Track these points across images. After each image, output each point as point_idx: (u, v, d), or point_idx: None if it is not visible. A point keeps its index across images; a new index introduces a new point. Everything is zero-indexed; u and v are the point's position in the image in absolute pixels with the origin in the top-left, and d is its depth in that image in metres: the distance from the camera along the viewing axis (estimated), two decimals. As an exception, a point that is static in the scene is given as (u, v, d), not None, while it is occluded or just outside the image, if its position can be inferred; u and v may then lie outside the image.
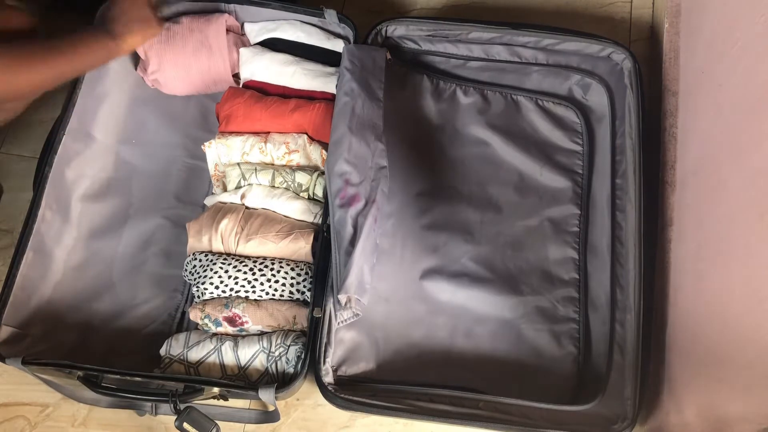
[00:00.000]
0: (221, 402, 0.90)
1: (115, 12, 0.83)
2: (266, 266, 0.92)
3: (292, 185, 0.97)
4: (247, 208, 0.97)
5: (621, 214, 0.95)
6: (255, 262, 0.93)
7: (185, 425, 0.81)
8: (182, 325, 1.00)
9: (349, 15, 1.02)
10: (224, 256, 0.94)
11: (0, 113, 0.88)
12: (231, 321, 0.91)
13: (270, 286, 0.91)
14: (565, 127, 1.06)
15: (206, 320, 0.91)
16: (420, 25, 1.01)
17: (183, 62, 1.03)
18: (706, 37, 0.87)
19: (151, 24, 0.85)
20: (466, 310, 0.96)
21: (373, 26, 1.02)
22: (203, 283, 0.92)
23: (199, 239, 0.96)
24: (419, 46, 1.07)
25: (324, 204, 0.94)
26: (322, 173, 0.97)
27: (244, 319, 0.90)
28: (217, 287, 0.92)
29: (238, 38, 1.06)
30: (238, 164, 1.00)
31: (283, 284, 0.91)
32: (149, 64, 1.02)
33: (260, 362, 0.88)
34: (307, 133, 0.99)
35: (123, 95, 1.06)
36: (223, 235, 0.94)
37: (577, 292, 0.97)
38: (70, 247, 0.97)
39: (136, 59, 1.07)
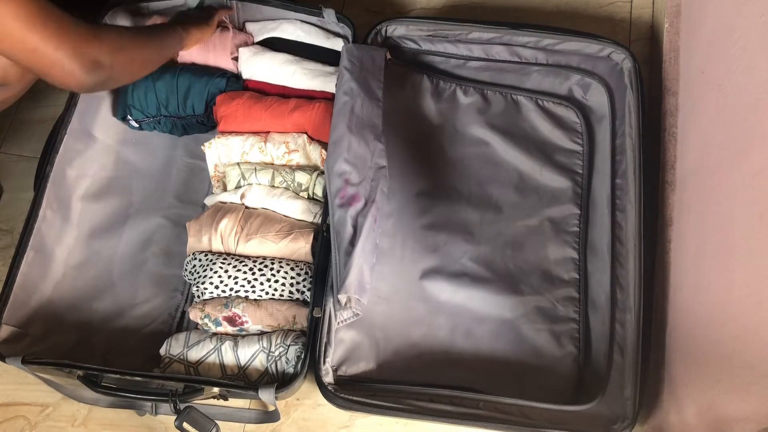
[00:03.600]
0: (221, 402, 0.90)
1: (176, 17, 0.98)
2: (266, 266, 0.92)
3: (291, 185, 0.97)
4: (246, 207, 0.97)
5: (621, 214, 0.95)
6: (255, 261, 0.93)
7: (185, 425, 0.81)
8: (182, 324, 1.00)
9: (349, 15, 1.02)
10: (224, 256, 0.94)
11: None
12: (231, 321, 0.91)
13: (270, 286, 0.91)
14: (565, 127, 1.06)
15: (206, 320, 0.91)
16: (420, 25, 1.01)
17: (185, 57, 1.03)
18: (706, 37, 0.87)
19: (205, 21, 0.98)
20: (466, 310, 0.96)
21: (373, 26, 1.02)
22: (203, 283, 0.92)
23: (198, 239, 0.96)
24: (419, 46, 1.07)
25: (324, 204, 0.94)
26: (322, 173, 0.97)
27: (243, 319, 0.90)
28: (216, 287, 0.92)
29: (243, 39, 1.06)
30: (238, 164, 1.00)
31: (283, 284, 0.92)
32: None
33: (260, 362, 0.88)
34: (306, 133, 0.99)
35: (123, 95, 1.06)
36: (223, 235, 0.94)
37: (577, 292, 0.97)
38: (70, 246, 0.97)
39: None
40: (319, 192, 0.98)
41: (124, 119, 1.04)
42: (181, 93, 1.01)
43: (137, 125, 1.06)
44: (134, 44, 0.80)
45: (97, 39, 0.72)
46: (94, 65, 0.72)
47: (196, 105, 1.02)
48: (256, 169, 0.98)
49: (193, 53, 1.03)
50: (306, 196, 0.98)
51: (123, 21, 1.03)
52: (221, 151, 1.01)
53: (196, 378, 0.85)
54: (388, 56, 1.01)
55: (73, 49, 0.69)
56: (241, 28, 1.08)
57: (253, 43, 1.07)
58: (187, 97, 1.02)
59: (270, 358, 0.87)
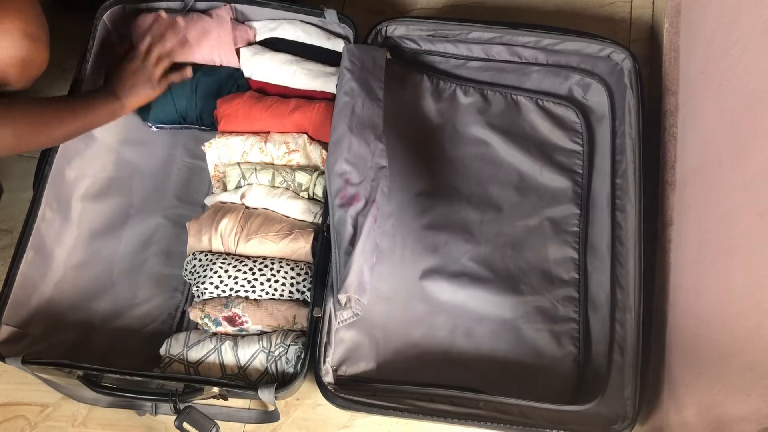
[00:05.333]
0: (221, 402, 0.90)
1: (119, 75, 0.94)
2: (266, 266, 0.92)
3: (292, 185, 0.97)
4: (246, 207, 0.97)
5: (621, 214, 0.95)
6: (255, 261, 0.93)
7: (185, 425, 0.81)
8: (182, 324, 1.00)
9: (349, 15, 1.02)
10: (224, 256, 0.94)
11: None
12: (231, 321, 0.91)
13: (270, 286, 0.91)
14: (565, 127, 1.06)
15: (206, 320, 0.91)
16: (420, 25, 1.01)
17: (188, 53, 1.03)
18: (706, 37, 0.87)
19: (151, 86, 0.95)
20: (466, 310, 0.96)
21: (373, 26, 1.02)
22: (203, 283, 0.92)
23: (198, 239, 0.96)
24: (419, 46, 1.07)
25: (324, 204, 0.94)
26: (322, 173, 0.97)
27: (243, 319, 0.90)
28: (216, 287, 0.92)
29: (245, 31, 1.06)
30: (238, 164, 1.00)
31: (283, 284, 0.92)
32: None
33: (260, 362, 0.88)
34: (307, 133, 0.99)
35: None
36: (223, 235, 0.94)
37: (577, 291, 0.97)
38: (70, 246, 0.97)
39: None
40: (319, 192, 0.98)
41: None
42: (199, 110, 1.04)
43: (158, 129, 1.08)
44: (44, 121, 0.81)
45: (3, 122, 0.75)
46: None
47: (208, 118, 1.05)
48: (257, 169, 0.98)
49: (196, 55, 1.03)
50: (306, 196, 0.98)
51: (121, 20, 1.03)
52: (221, 151, 1.01)
53: (196, 378, 0.85)
54: (388, 56, 1.01)
55: None
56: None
57: (254, 43, 1.06)
58: (204, 113, 1.04)
59: (270, 358, 0.87)
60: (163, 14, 0.99)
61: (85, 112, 0.87)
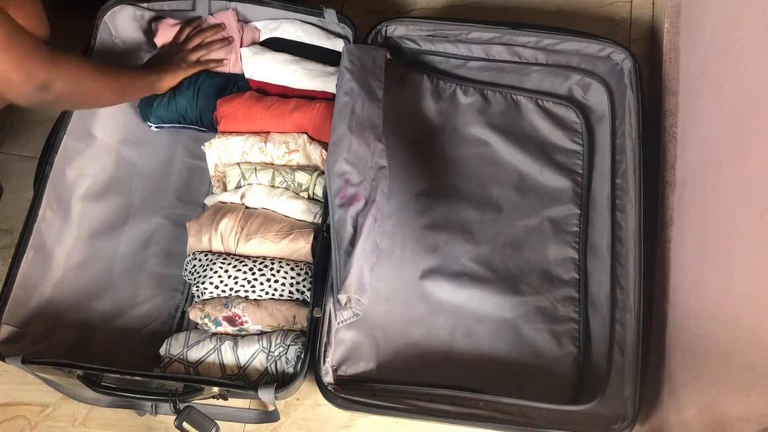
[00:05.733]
0: (221, 402, 0.90)
1: (158, 55, 1.03)
2: (266, 266, 0.92)
3: (292, 185, 0.97)
4: (246, 207, 0.97)
5: (621, 214, 0.95)
6: (255, 261, 0.93)
7: (185, 425, 0.81)
8: (182, 324, 1.00)
9: (349, 15, 1.02)
10: (224, 256, 0.94)
11: None
12: (231, 321, 0.91)
13: (270, 286, 0.91)
14: (565, 127, 1.06)
15: (206, 320, 0.91)
16: (420, 25, 1.01)
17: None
18: (706, 37, 0.87)
19: (184, 65, 1.01)
20: (466, 310, 0.96)
21: (373, 26, 1.02)
22: (203, 283, 0.92)
23: (198, 239, 0.96)
24: (419, 46, 1.07)
25: (324, 204, 0.94)
26: (322, 173, 0.97)
27: (243, 319, 0.90)
28: (216, 287, 0.92)
29: (251, 32, 1.06)
30: (238, 164, 1.00)
31: (283, 284, 0.92)
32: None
33: (260, 362, 0.88)
34: (307, 133, 0.99)
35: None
36: (223, 235, 0.94)
37: (577, 292, 0.97)
38: (70, 246, 0.97)
39: (137, 57, 1.07)
40: (319, 192, 0.98)
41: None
42: (199, 110, 1.04)
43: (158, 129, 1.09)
44: (94, 80, 0.84)
45: (54, 65, 0.76)
46: (42, 87, 0.75)
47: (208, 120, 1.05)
48: (257, 169, 0.98)
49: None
50: (306, 196, 0.98)
51: (122, 19, 1.03)
52: (221, 151, 1.01)
53: (195, 378, 0.85)
54: (388, 56, 1.01)
55: (27, 70, 0.73)
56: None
57: (254, 43, 1.07)
58: (203, 114, 1.04)
59: (270, 358, 0.87)
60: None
61: (133, 79, 0.93)
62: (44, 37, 0.85)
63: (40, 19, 0.84)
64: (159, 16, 1.05)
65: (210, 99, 1.02)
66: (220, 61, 1.04)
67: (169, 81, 0.99)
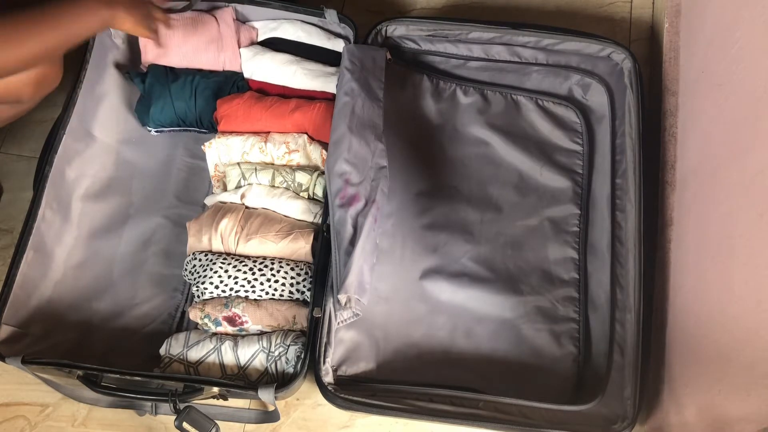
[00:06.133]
0: (221, 402, 0.90)
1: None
2: (266, 266, 0.92)
3: (292, 185, 0.97)
4: (246, 207, 0.97)
5: (621, 214, 0.95)
6: (255, 261, 0.93)
7: (185, 425, 0.81)
8: (182, 324, 1.00)
9: (349, 15, 1.02)
10: (224, 256, 0.94)
11: (2, 113, 0.88)
12: (231, 321, 0.91)
13: (270, 286, 0.91)
14: (565, 127, 1.06)
15: (206, 320, 0.91)
16: (420, 25, 1.01)
17: (191, 51, 1.03)
18: (706, 37, 0.87)
19: (149, 18, 0.85)
20: (466, 310, 0.96)
21: (373, 26, 1.02)
22: (203, 283, 0.92)
23: (198, 239, 0.96)
24: (419, 46, 1.07)
25: (324, 204, 0.94)
26: (322, 173, 0.97)
27: (243, 319, 0.90)
28: (216, 287, 0.92)
29: (248, 31, 1.06)
30: (238, 164, 1.00)
31: (283, 284, 0.92)
32: (149, 52, 1.03)
33: (260, 362, 0.88)
34: (307, 133, 0.99)
35: (123, 94, 1.06)
36: (223, 235, 0.94)
37: (577, 291, 0.97)
38: (70, 246, 0.97)
39: (137, 57, 1.07)
40: (319, 192, 0.98)
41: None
42: (198, 113, 1.04)
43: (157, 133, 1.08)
44: (16, 31, 0.70)
45: None
46: None
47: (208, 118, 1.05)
48: (257, 169, 0.98)
49: (202, 60, 1.04)
50: (306, 196, 0.98)
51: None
52: (221, 151, 1.01)
53: (195, 378, 0.85)
54: (388, 56, 1.01)
55: None
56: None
57: (254, 43, 1.06)
58: (203, 116, 1.04)
59: (270, 358, 0.87)
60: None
61: (59, 20, 0.74)
62: (59, 58, 0.78)
63: None
64: None
65: (208, 100, 1.02)
66: (155, 34, 0.91)
67: (127, 20, 0.82)
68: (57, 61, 0.81)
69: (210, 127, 1.05)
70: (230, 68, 1.05)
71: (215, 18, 1.03)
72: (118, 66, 1.05)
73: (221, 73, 1.05)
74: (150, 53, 1.04)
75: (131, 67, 1.07)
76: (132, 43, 1.07)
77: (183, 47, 1.03)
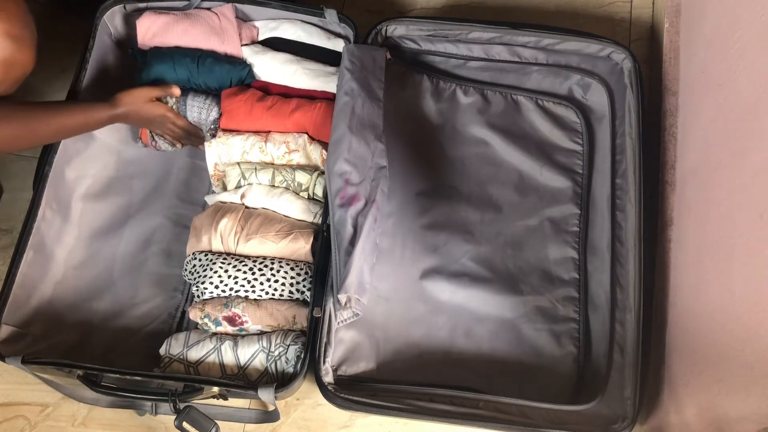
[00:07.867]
0: (221, 401, 0.90)
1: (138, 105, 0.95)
2: (266, 266, 0.92)
3: (292, 185, 0.97)
4: (246, 207, 0.97)
5: (621, 214, 0.95)
6: (255, 261, 0.93)
7: (185, 425, 0.81)
8: (182, 324, 1.00)
9: (349, 15, 1.02)
10: (224, 256, 0.94)
11: None
12: (231, 320, 0.91)
13: (270, 286, 0.91)
14: (565, 127, 1.06)
15: (206, 320, 0.91)
16: (420, 25, 1.01)
17: (192, 43, 1.02)
18: (706, 37, 0.87)
19: (175, 130, 0.98)
20: (466, 310, 0.96)
21: (373, 26, 1.02)
22: (203, 283, 0.92)
23: (198, 239, 0.96)
24: (419, 46, 1.07)
25: (324, 204, 0.94)
26: (322, 173, 0.97)
27: (243, 319, 0.90)
28: (216, 287, 0.92)
29: (249, 29, 1.06)
30: (238, 163, 1.00)
31: (283, 284, 0.92)
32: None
33: (260, 362, 0.88)
34: (307, 133, 0.99)
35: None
36: (223, 235, 0.94)
37: (577, 291, 0.97)
38: (70, 246, 0.97)
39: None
40: (319, 192, 0.98)
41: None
42: (201, 75, 1.01)
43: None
44: (26, 122, 0.81)
45: None
46: None
47: (213, 85, 1.02)
48: (257, 169, 0.98)
49: (201, 43, 1.03)
50: (306, 196, 0.98)
51: (121, 19, 1.03)
52: (221, 151, 1.00)
53: (195, 378, 0.85)
54: (388, 56, 1.01)
55: None
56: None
57: (255, 43, 1.06)
58: (208, 79, 1.01)
59: (270, 357, 0.87)
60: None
61: (78, 117, 0.88)
62: (31, 41, 0.80)
63: (23, 23, 0.79)
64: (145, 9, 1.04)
65: (211, 67, 1.00)
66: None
67: (129, 105, 0.93)
68: (27, 44, 0.80)
69: (210, 89, 1.03)
70: (231, 52, 1.04)
71: (216, 14, 1.03)
72: (118, 66, 1.05)
73: (224, 67, 1.04)
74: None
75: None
76: (132, 43, 1.07)
77: (184, 38, 1.01)
